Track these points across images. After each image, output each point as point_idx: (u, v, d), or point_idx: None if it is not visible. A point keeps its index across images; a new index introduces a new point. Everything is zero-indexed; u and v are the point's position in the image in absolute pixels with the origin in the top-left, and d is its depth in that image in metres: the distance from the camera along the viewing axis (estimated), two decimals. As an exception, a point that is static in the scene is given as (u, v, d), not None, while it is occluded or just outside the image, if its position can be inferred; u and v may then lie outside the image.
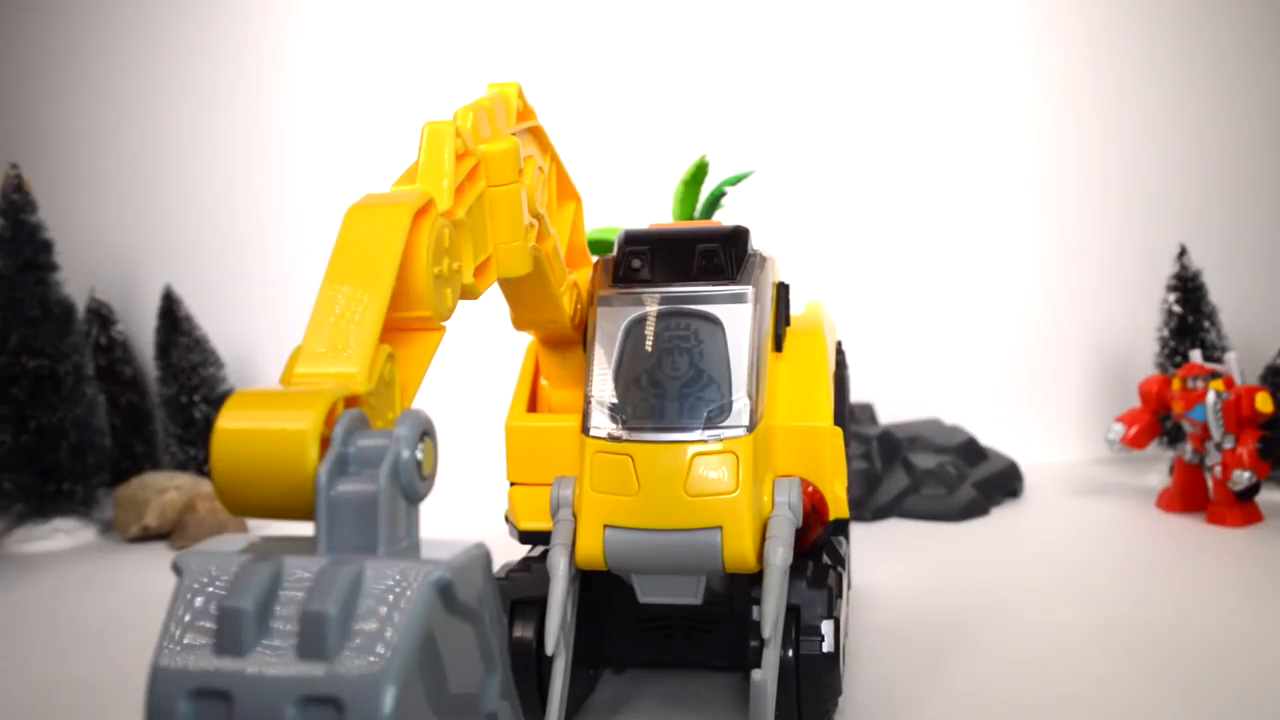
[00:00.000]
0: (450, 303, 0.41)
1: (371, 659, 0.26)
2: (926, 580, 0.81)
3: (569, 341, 0.58)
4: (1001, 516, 1.02)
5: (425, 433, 0.31)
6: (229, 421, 0.30)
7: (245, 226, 1.35)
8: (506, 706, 0.33)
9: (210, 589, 0.28)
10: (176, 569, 0.29)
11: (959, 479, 1.05)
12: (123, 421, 1.22)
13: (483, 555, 0.31)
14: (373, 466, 0.29)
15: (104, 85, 1.35)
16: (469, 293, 0.43)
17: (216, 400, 1.20)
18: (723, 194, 0.95)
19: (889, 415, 1.25)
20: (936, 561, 0.87)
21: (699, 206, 0.94)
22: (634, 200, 1.16)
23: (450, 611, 0.29)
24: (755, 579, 0.51)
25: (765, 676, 0.46)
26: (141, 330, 1.29)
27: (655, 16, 1.30)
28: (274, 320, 1.32)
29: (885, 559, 0.87)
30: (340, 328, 0.34)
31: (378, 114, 1.32)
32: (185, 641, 0.27)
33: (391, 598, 0.27)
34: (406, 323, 0.39)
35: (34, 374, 1.07)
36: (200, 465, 1.19)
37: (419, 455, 0.30)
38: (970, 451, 1.11)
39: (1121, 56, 1.27)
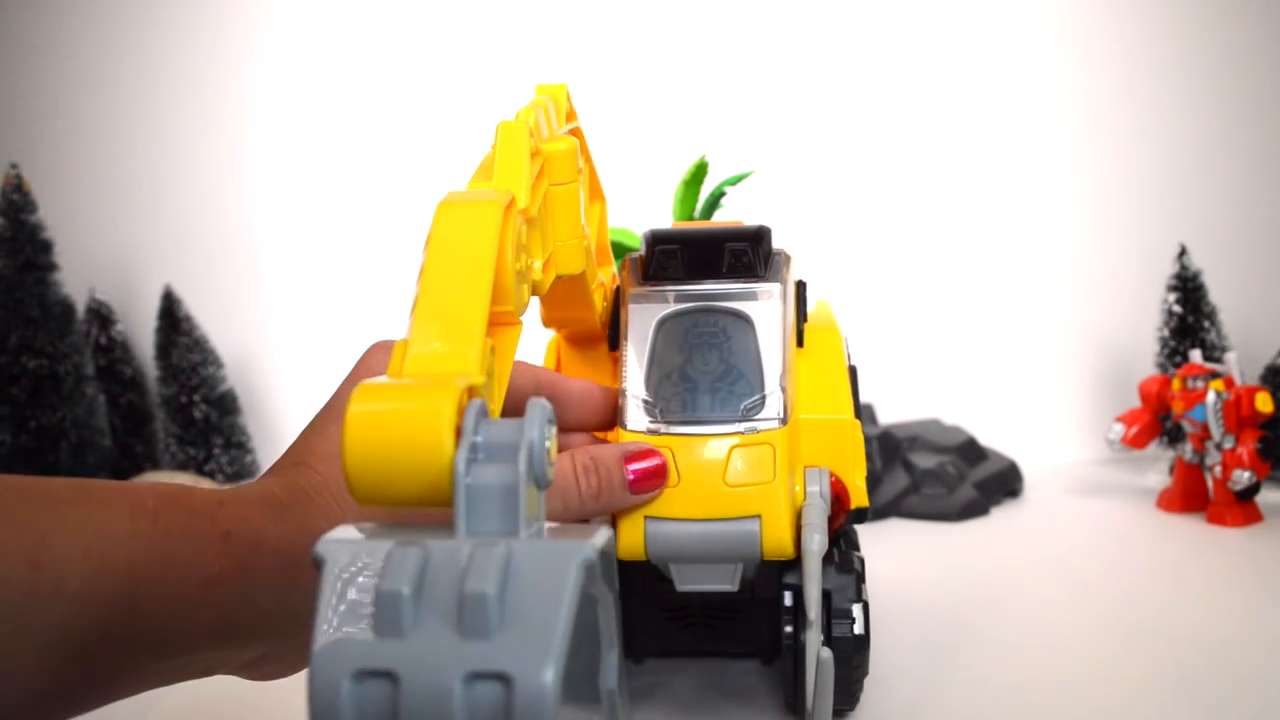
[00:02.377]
0: (526, 298, 0.41)
1: (531, 636, 0.26)
2: (926, 579, 0.81)
3: (594, 339, 0.59)
4: (1001, 516, 1.02)
5: (550, 420, 0.32)
6: (363, 406, 0.30)
7: (245, 226, 1.35)
8: (620, 686, 0.34)
9: (360, 577, 0.28)
10: (318, 559, 0.29)
11: (959, 479, 1.05)
12: (123, 421, 1.22)
13: (611, 538, 0.32)
14: (501, 453, 0.30)
15: (103, 85, 1.35)
16: (537, 289, 0.44)
17: (216, 400, 1.20)
18: (723, 194, 0.95)
19: (889, 415, 1.25)
20: (936, 561, 0.87)
21: (699, 206, 0.94)
22: (634, 200, 1.16)
23: (585, 591, 0.30)
24: (783, 566, 0.52)
25: (826, 655, 0.47)
26: (141, 330, 1.29)
27: (655, 17, 1.30)
28: (274, 320, 1.32)
29: (885, 559, 0.87)
30: (450, 322, 0.35)
31: (377, 114, 1.32)
32: (342, 626, 0.27)
33: (542, 577, 0.28)
34: (493, 317, 0.39)
35: (34, 374, 1.07)
36: (200, 465, 1.19)
37: (547, 443, 0.31)
38: (970, 451, 1.11)
39: (1121, 57, 1.27)
